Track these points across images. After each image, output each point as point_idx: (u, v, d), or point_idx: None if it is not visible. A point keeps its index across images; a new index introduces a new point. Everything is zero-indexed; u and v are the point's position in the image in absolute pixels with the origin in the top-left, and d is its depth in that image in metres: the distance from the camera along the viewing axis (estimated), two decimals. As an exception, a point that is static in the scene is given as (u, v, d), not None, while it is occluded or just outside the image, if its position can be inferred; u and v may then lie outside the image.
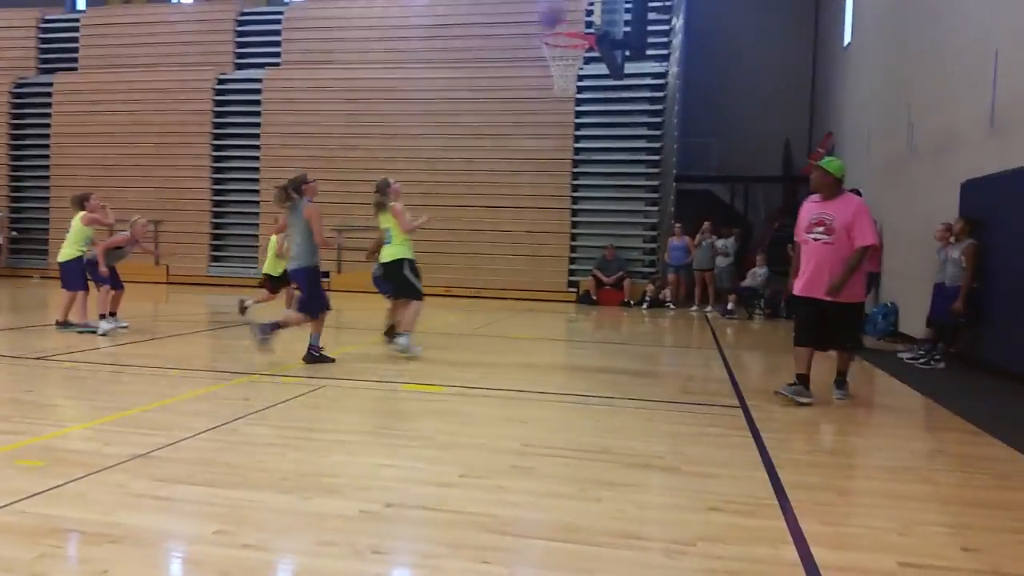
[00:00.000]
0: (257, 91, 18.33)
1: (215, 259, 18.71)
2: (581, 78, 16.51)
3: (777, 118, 19.50)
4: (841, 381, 6.48)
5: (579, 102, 16.84)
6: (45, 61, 20.16)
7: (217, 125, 18.63)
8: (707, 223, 15.09)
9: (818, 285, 6.06)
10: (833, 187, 6.23)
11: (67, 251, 9.23)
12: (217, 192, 18.63)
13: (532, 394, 6.35)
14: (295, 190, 7.53)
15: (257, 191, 18.23)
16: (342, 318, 13.03)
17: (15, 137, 19.70)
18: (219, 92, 18.66)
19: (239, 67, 19.04)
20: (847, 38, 16.00)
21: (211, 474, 3.95)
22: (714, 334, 11.45)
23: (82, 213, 9.29)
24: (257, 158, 18.30)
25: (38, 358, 7.37)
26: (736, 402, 6.20)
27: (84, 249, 9.23)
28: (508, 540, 3.18)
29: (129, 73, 19.07)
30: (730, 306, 14.13)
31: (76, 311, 9.20)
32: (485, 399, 6.22)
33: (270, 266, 10.65)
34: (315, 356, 7.47)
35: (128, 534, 3.11)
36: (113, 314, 9.27)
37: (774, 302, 14.13)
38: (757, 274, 14.33)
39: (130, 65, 19.23)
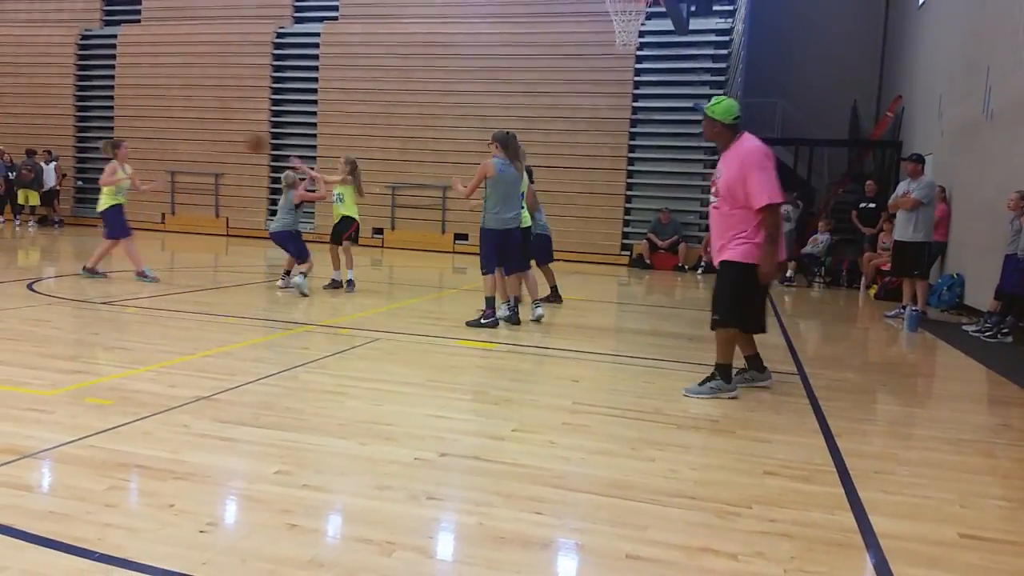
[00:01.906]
0: (315, 45, 18.36)
1: (273, 213, 19.00)
2: (642, 34, 16.08)
3: (845, 79, 18.79)
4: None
5: (639, 59, 16.45)
6: (109, 13, 20.47)
7: (276, 79, 18.76)
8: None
9: (714, 254, 5.06)
10: (724, 136, 4.89)
11: (104, 200, 9.27)
12: (275, 147, 18.84)
13: (583, 354, 6.34)
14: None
15: (315, 146, 18.37)
16: (395, 274, 13.16)
17: (81, 88, 20.14)
18: (278, 46, 18.75)
19: (297, 20, 19.08)
20: (923, -4, 15.28)
21: (272, 417, 4.05)
22: (771, 301, 11.24)
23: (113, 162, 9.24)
24: (314, 113, 18.40)
25: (104, 303, 7.62)
26: (794, 369, 6.09)
27: (121, 198, 9.30)
28: (560, 493, 3.20)
29: (190, 26, 19.26)
30: (789, 273, 13.83)
31: (129, 259, 9.33)
32: (536, 357, 6.23)
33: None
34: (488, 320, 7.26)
35: (192, 471, 3.21)
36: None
37: (835, 270, 13.80)
38: (819, 241, 13.98)
39: (191, 18, 19.41)
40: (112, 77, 19.66)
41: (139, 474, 3.16)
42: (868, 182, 14.20)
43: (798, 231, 14.61)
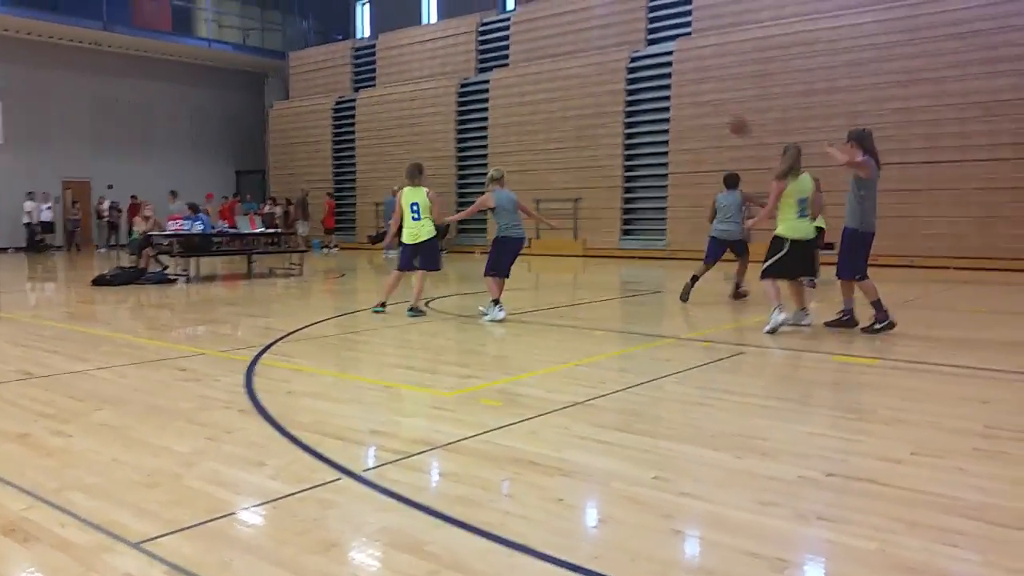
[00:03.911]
0: (668, 64, 18.59)
1: (626, 232, 19.59)
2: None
3: None
4: None
5: (1043, 28, 13.94)
6: (483, 60, 22.90)
7: (629, 103, 19.36)
8: None
9: None
10: None
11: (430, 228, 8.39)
12: (628, 168, 19.43)
13: (989, 371, 5.45)
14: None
15: (666, 164, 18.58)
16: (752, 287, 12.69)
17: (460, 131, 22.77)
18: (631, 70, 19.35)
19: (651, 43, 19.51)
20: None
21: (644, 424, 4.10)
22: None
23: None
24: (666, 131, 18.61)
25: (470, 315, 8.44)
26: None
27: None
28: (976, 526, 2.75)
29: (552, 63, 20.75)
30: None
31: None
32: (929, 375, 5.50)
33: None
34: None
35: (576, 469, 3.36)
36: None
37: None
38: None
39: (552, 55, 20.91)
40: (486, 118, 21.86)
41: (530, 469, 3.39)
42: None
43: None
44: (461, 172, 22.79)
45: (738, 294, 9.68)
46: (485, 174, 21.51)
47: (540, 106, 20.63)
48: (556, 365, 5.71)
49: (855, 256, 6.92)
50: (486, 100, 21.91)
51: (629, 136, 19.46)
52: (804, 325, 7.25)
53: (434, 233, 8.31)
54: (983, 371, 5.48)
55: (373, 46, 25.50)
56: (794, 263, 7.10)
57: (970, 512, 2.87)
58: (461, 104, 22.66)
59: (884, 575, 2.40)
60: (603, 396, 4.71)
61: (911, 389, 5.08)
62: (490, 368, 5.89)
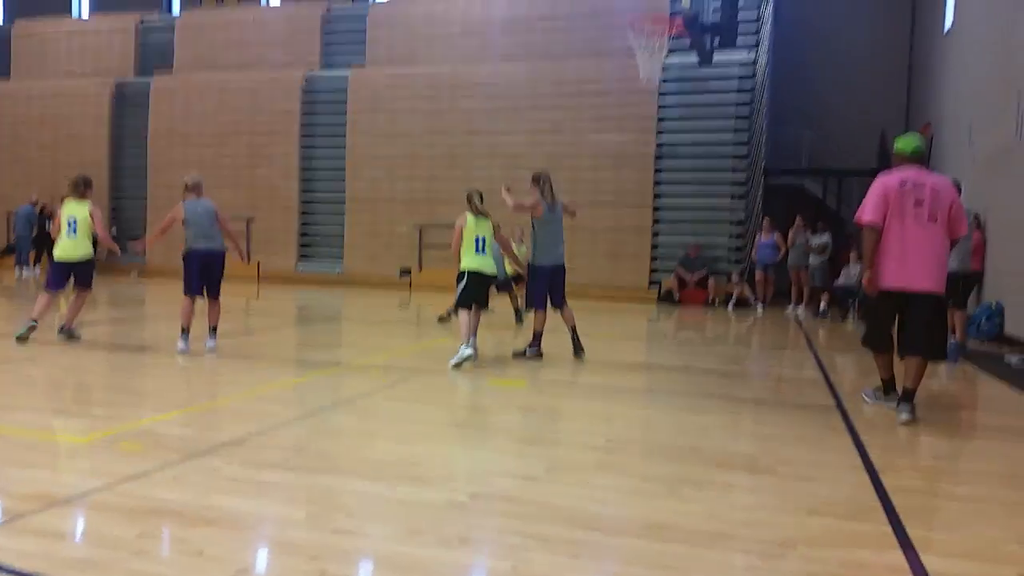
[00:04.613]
0: (343, 90, 18.69)
1: (303, 256, 19.20)
2: (665, 68, 16.16)
3: (872, 109, 18.67)
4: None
5: (663, 95, 16.52)
6: (143, 63, 21.04)
7: (305, 125, 19.09)
8: (799, 218, 14.59)
9: None
10: None
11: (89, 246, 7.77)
12: (305, 190, 19.10)
13: (615, 392, 6.24)
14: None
15: (343, 189, 18.60)
16: (423, 314, 13.18)
17: (115, 137, 20.62)
18: (307, 92, 19.11)
19: (326, 66, 19.46)
20: (948, 22, 15.19)
21: (303, 460, 4.01)
22: (805, 334, 11.07)
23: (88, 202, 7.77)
24: (343, 157, 18.66)
25: (138, 348, 7.69)
26: (832, 403, 5.94)
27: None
28: (596, 536, 3.11)
29: (221, 74, 19.72)
30: (823, 306, 13.65)
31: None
32: (568, 396, 6.15)
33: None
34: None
35: (223, 516, 3.17)
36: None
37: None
38: (851, 272, 13.78)
39: (222, 66, 19.89)
40: (146, 126, 20.08)
41: (169, 520, 3.13)
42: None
43: (831, 263, 14.42)
44: (117, 183, 20.61)
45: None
46: (144, 185, 19.57)
47: (209, 118, 19.47)
48: (214, 400, 5.38)
49: (532, 288, 7.58)
50: (147, 106, 20.14)
51: (306, 159, 19.15)
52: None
53: (91, 253, 7.69)
54: (610, 391, 6.25)
55: (7, 32, 22.14)
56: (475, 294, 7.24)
57: (591, 523, 3.24)
58: (118, 108, 20.56)
59: (514, 591, 2.60)
60: (263, 432, 4.53)
61: (552, 409, 5.63)
62: (136, 406, 5.35)
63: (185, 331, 7.21)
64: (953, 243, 5.39)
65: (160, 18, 21.66)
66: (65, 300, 8.38)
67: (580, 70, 17.06)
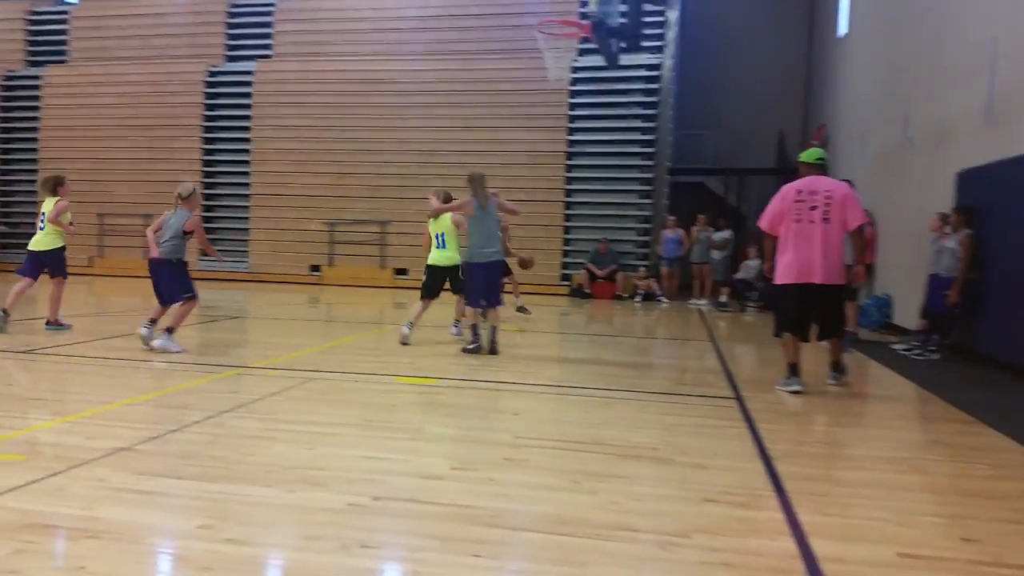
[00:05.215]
0: (248, 83, 18.17)
1: (205, 253, 18.52)
2: (575, 70, 16.43)
3: (771, 110, 19.42)
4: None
5: (573, 94, 16.74)
6: (33, 54, 19.95)
7: (208, 118, 18.46)
8: (702, 216, 15.07)
9: None
10: None
11: (55, 239, 8.64)
12: (208, 186, 18.47)
13: (523, 386, 6.27)
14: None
15: (248, 184, 18.09)
16: (333, 311, 12.95)
17: (3, 131, 19.49)
18: (210, 85, 18.49)
19: (230, 59, 18.87)
20: (842, 28, 15.92)
21: (196, 467, 3.86)
22: (707, 327, 11.40)
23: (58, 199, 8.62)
24: (248, 151, 18.14)
25: (24, 351, 7.26)
26: (731, 393, 6.13)
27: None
28: (499, 533, 3.11)
29: (119, 66, 18.88)
30: (723, 299, 14.12)
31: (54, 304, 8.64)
32: (476, 391, 6.14)
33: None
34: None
35: (107, 529, 3.02)
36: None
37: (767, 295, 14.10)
38: (750, 266, 14.28)
39: (121, 58, 19.03)
40: (37, 119, 19.08)
41: (49, 534, 2.96)
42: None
43: (732, 258, 14.94)
44: (4, 179, 19.45)
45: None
46: (34, 181, 18.72)
47: (105, 111, 18.60)
48: (105, 405, 5.12)
49: (467, 285, 7.91)
50: (37, 99, 19.08)
51: (209, 153, 18.53)
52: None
53: (61, 243, 8.63)
54: (519, 385, 6.28)
55: None
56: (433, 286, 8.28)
57: (493, 520, 3.23)
58: (5, 101, 19.40)
59: (413, 593, 2.57)
60: (154, 438, 4.33)
61: (459, 406, 5.61)
62: (18, 414, 5.04)
63: (153, 321, 7.43)
64: (853, 235, 6.18)
65: (52, 6, 20.55)
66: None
67: (492, 68, 17.10)
